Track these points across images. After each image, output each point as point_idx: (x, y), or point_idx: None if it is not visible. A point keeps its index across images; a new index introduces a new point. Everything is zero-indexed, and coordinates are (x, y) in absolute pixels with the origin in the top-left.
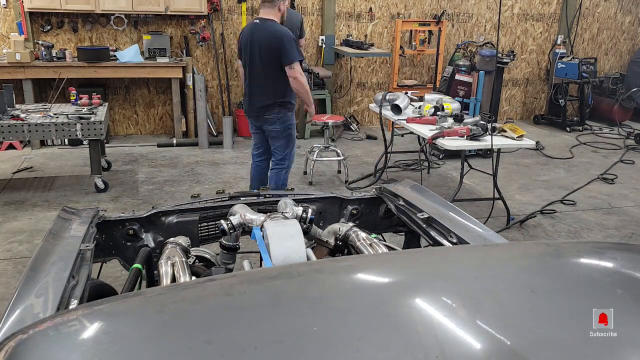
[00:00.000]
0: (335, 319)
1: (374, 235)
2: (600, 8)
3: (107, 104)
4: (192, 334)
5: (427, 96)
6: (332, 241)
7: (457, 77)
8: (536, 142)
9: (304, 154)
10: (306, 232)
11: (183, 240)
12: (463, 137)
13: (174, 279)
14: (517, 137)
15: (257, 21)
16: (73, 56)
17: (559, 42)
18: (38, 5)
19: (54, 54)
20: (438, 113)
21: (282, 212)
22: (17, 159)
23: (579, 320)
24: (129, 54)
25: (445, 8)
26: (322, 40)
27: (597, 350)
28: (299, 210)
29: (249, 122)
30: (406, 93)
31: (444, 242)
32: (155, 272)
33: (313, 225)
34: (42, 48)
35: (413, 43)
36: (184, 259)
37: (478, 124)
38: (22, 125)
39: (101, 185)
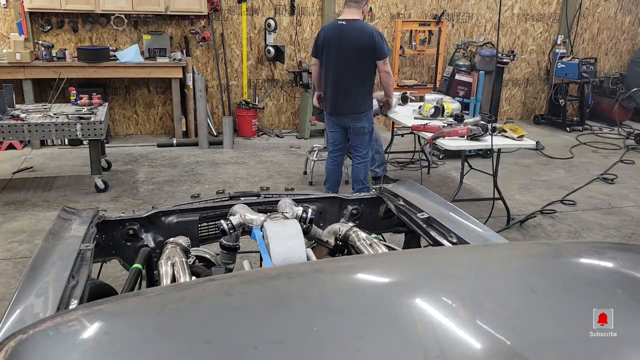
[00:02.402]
0: (335, 319)
1: (374, 235)
2: (600, 8)
3: (107, 104)
4: (192, 334)
5: (427, 96)
6: (332, 241)
7: (457, 77)
8: (536, 142)
9: (303, 153)
10: (306, 232)
11: (183, 240)
12: (463, 137)
13: (174, 279)
14: (517, 137)
15: (343, 22)
16: (73, 56)
17: (559, 42)
18: (38, 5)
19: (54, 54)
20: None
21: (282, 212)
22: (17, 159)
23: (579, 320)
24: (129, 54)
25: (445, 8)
26: None
27: (597, 350)
28: (299, 210)
29: (331, 120)
30: (405, 93)
31: (444, 242)
32: (155, 272)
33: (313, 225)
34: (42, 48)
35: (413, 43)
36: (184, 259)
37: (478, 124)
38: (22, 125)
39: (101, 185)
